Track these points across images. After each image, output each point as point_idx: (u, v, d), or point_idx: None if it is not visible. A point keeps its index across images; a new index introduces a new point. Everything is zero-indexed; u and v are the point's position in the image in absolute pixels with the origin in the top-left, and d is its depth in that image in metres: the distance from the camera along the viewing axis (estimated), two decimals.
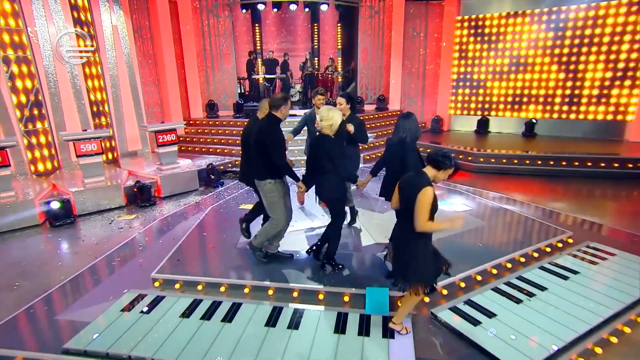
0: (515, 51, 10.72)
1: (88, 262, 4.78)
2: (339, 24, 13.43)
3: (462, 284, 3.90)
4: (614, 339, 3.19)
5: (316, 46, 14.19)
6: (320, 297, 3.75)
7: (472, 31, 11.31)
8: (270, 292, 3.85)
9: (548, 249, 4.57)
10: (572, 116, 10.23)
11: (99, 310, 3.67)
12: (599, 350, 3.07)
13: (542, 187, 7.65)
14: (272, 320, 3.42)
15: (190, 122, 10.92)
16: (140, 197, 7.04)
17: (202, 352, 3.06)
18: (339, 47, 13.54)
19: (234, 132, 10.22)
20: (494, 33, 10.98)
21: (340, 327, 3.31)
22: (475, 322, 3.29)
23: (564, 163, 8.24)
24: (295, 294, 3.80)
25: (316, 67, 13.12)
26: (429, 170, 2.83)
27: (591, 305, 3.49)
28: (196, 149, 9.99)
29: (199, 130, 10.65)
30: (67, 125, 8.05)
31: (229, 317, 3.48)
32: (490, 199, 6.62)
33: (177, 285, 4.03)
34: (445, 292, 3.78)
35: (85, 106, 8.30)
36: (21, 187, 6.79)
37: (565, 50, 10.00)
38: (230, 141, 9.94)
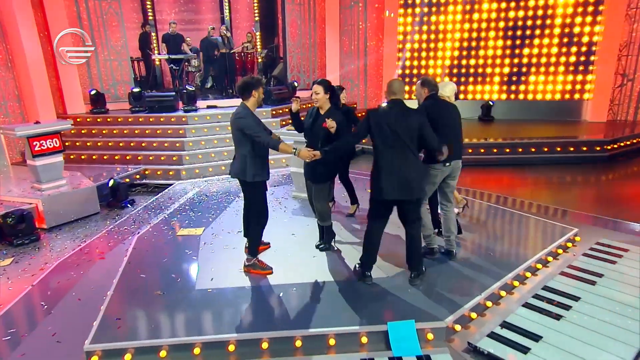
0: (467, 24, 11.60)
1: None
2: None
3: (489, 303, 4.06)
4: None
5: (227, 17, 13.86)
6: (331, 342, 3.62)
7: (419, 1, 11.94)
8: (264, 345, 3.59)
9: (560, 251, 5.02)
10: (530, 97, 11.44)
11: None
12: None
13: (511, 178, 8.51)
14: None
15: (68, 119, 9.81)
16: (15, 231, 6.11)
17: None
18: (257, 18, 13.32)
19: (136, 131, 9.55)
20: (442, 3, 11.74)
21: None
22: (524, 350, 3.42)
23: (534, 150, 9.18)
24: (298, 344, 3.60)
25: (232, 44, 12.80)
26: None
27: (632, 312, 3.90)
28: (82, 157, 9.17)
29: (83, 131, 9.71)
30: None
31: None
32: (471, 197, 7.04)
33: (127, 357, 3.54)
34: (474, 315, 3.89)
35: None
36: None
37: (520, 23, 11.12)
38: (131, 144, 9.25)
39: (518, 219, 6.00)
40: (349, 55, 12.65)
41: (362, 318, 3.79)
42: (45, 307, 4.41)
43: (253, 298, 4.21)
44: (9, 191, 7.10)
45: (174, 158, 8.89)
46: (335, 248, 5.11)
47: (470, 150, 9.29)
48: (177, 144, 9.12)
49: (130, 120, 9.85)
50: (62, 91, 10.01)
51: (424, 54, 12.23)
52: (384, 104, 4.09)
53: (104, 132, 9.64)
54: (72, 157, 8.99)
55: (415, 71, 12.41)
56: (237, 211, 6.48)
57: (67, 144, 9.20)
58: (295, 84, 11.76)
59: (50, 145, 7.01)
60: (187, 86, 10.22)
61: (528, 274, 4.55)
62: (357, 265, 4.48)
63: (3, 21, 8.87)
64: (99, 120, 9.91)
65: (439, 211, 4.96)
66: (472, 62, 11.81)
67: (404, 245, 4.43)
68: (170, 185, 8.42)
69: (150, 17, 12.31)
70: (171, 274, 4.72)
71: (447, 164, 4.51)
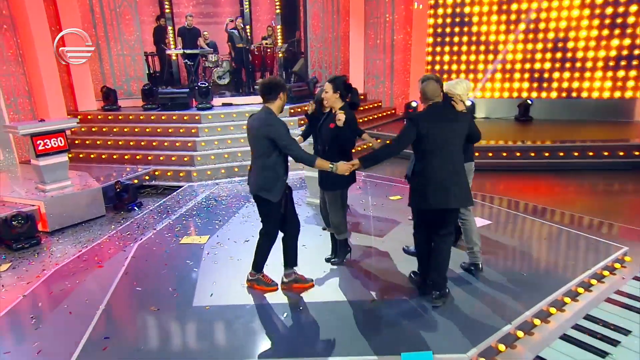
0: (504, 15, 11.19)
1: None
2: None
3: (520, 334, 3.73)
4: None
5: (247, 10, 13.91)
6: None
7: None
8: None
9: (606, 273, 4.64)
10: (574, 94, 10.99)
11: None
12: None
13: (551, 185, 8.14)
14: None
15: (79, 117, 9.91)
16: (17, 234, 6.08)
17: None
18: (278, 11, 13.30)
19: (147, 129, 9.58)
20: None
21: None
22: None
23: (577, 154, 8.72)
24: None
25: (250, 38, 12.79)
26: None
27: None
28: (92, 156, 9.24)
29: (93, 129, 9.80)
30: None
31: None
32: (505, 207, 6.69)
33: None
34: (502, 348, 3.57)
35: None
36: None
37: (564, 13, 10.69)
38: (141, 143, 9.27)
39: (557, 233, 5.62)
40: (374, 49, 12.47)
41: (372, 347, 3.55)
42: (34, 320, 4.28)
43: (254, 318, 4.00)
44: (12, 191, 7.13)
45: (186, 158, 8.82)
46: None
47: (504, 154, 8.95)
48: (189, 144, 9.05)
49: (142, 117, 9.88)
50: (73, 87, 10.14)
51: (455, 48, 11.89)
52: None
53: (114, 130, 9.69)
54: (81, 155, 9.11)
55: (445, 67, 12.06)
56: (245, 218, 6.37)
57: (76, 142, 9.33)
58: (316, 79, 11.60)
59: (55, 144, 6.99)
60: (199, 83, 10.15)
61: (567, 300, 4.22)
62: (412, 274, 4.48)
63: (13, 14, 8.97)
64: (110, 117, 10.00)
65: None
66: (509, 56, 11.40)
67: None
68: (181, 187, 8.37)
69: (167, 10, 12.36)
70: (169, 287, 4.58)
71: None
